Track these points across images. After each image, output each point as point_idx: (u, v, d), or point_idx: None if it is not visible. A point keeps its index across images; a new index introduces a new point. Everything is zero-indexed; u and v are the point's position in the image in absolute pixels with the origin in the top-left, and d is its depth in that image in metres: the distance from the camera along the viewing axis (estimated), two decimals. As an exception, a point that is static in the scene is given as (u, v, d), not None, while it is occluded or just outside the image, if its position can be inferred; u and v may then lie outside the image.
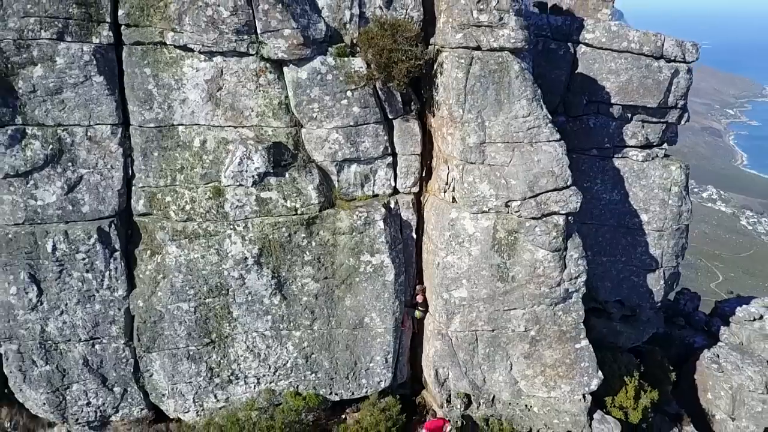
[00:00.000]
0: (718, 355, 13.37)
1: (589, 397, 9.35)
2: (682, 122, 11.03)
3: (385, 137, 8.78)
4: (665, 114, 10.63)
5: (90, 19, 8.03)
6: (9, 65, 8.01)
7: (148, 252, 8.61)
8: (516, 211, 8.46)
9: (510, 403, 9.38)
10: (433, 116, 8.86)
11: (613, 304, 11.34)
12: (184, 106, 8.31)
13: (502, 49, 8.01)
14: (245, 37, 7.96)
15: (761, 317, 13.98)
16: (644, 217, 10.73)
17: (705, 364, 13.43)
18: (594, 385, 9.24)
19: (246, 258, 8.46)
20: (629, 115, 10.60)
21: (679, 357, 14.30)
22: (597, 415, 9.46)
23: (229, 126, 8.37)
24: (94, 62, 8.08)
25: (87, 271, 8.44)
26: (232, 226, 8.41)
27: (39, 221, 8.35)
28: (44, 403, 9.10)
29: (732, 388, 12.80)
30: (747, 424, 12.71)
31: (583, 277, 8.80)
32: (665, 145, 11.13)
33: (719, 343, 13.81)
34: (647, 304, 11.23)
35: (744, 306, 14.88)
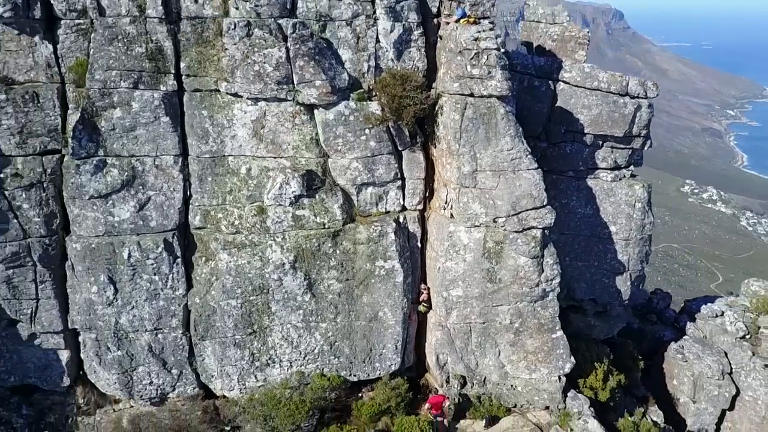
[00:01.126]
0: (683, 347, 15.31)
1: (564, 379, 11.30)
2: (646, 147, 12.98)
3: (396, 165, 10.76)
4: (631, 141, 12.59)
5: (158, 71, 10.00)
6: (94, 108, 9.97)
7: (203, 258, 10.60)
8: (502, 226, 10.41)
9: (498, 383, 11.33)
10: (435, 148, 10.83)
11: (587, 302, 13.30)
12: (233, 140, 10.29)
13: (490, 96, 9.96)
14: (284, 86, 9.93)
15: (722, 314, 15.91)
16: (613, 229, 12.69)
17: (671, 354, 15.38)
18: (567, 368, 11.19)
19: (284, 263, 10.45)
20: (600, 142, 12.56)
21: (650, 349, 16.25)
22: (570, 393, 11.41)
23: (270, 157, 10.35)
24: (162, 106, 10.05)
25: (154, 274, 10.42)
26: (272, 238, 10.42)
27: (116, 234, 10.35)
28: (115, 383, 11.08)
29: (693, 375, 14.73)
30: (706, 406, 14.64)
31: (558, 279, 10.75)
32: (632, 167, 13.08)
33: (685, 337, 15.75)
34: (616, 302, 13.21)
35: (709, 304, 16.83)
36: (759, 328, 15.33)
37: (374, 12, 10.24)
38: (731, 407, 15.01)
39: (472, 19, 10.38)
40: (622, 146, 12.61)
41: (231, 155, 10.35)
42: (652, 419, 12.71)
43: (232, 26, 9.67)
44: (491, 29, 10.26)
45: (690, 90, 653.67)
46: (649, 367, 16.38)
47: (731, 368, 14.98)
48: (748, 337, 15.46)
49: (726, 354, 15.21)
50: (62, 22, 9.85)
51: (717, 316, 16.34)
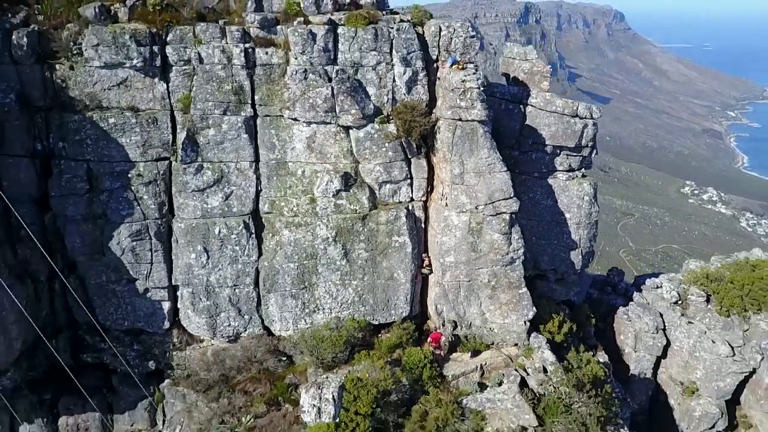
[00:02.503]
0: (628, 310, 19.63)
1: (528, 323, 15.59)
2: (593, 155, 17.26)
3: (406, 168, 15.08)
4: (581, 150, 16.87)
5: (240, 102, 14.30)
6: (195, 129, 14.26)
7: (270, 234, 14.97)
8: (481, 211, 14.68)
9: (480, 326, 15.64)
10: (434, 156, 15.16)
11: (550, 272, 17.60)
12: (292, 151, 14.62)
13: (473, 120, 14.24)
14: (330, 114, 14.25)
15: (661, 285, 20.18)
16: (567, 216, 16.99)
17: (620, 316, 19.70)
18: (530, 315, 15.48)
19: (328, 238, 14.80)
20: (558, 151, 16.84)
21: (605, 313, 20.54)
22: (533, 334, 15.69)
23: (318, 163, 14.68)
24: (243, 126, 14.37)
25: (236, 245, 14.78)
26: (320, 220, 14.80)
27: (209, 216, 14.68)
28: (204, 326, 15.40)
29: (635, 331, 19.03)
30: (644, 354, 18.93)
31: (522, 250, 15.05)
32: (583, 170, 17.35)
33: (631, 303, 20.05)
34: (571, 271, 17.52)
35: (653, 278, 21.13)
36: (688, 295, 19.61)
37: (391, 60, 14.54)
38: (663, 355, 19.31)
39: (460, 66, 14.66)
40: (574, 154, 16.91)
41: (291, 161, 14.70)
42: (598, 360, 16.96)
43: (294, 72, 14.00)
44: (474, 73, 14.54)
45: (691, 91, 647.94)
46: (605, 328, 20.71)
47: (664, 325, 19.26)
48: (679, 302, 19.73)
49: (661, 315, 19.50)
50: (173, 68, 14.15)
51: (658, 287, 20.62)
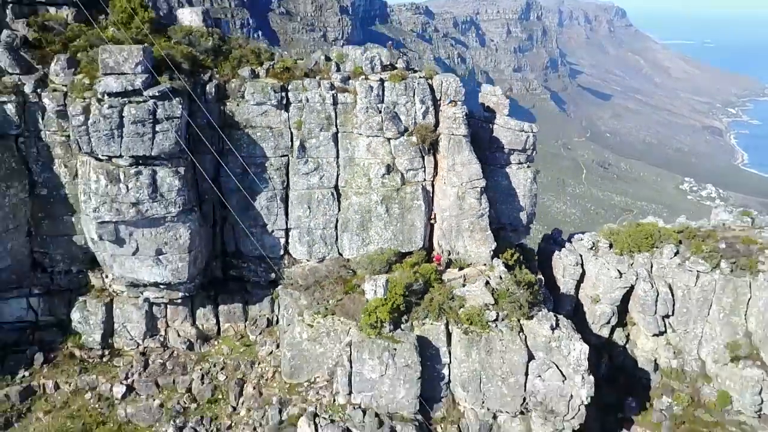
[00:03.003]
0: (561, 254, 31.17)
1: (491, 252, 27.05)
2: (534, 153, 28.75)
3: (422, 162, 26.54)
4: (525, 151, 28.38)
5: (329, 124, 25.78)
6: (304, 139, 25.76)
7: (345, 199, 26.48)
8: (464, 186, 26.20)
9: (463, 254, 27.17)
10: (438, 155, 26.66)
11: (507, 225, 29.14)
12: (358, 152, 26.10)
13: (459, 135, 25.71)
14: (380, 131, 25.72)
15: (582, 238, 31.73)
16: (517, 190, 28.52)
17: (555, 257, 31.25)
18: (492, 247, 26.96)
19: (377, 201, 26.28)
20: (512, 152, 28.34)
21: (548, 256, 32.09)
22: (495, 259, 27.19)
23: (372, 158, 26.14)
24: (331, 138, 25.84)
25: (326, 205, 26.31)
26: (374, 191, 26.25)
27: (311, 189, 26.18)
28: (305, 252, 26.92)
29: (564, 265, 30.59)
30: (568, 280, 30.51)
31: (487, 209, 26.53)
32: (527, 162, 28.85)
33: (563, 249, 31.58)
34: (520, 225, 29.08)
35: (578, 234, 32.67)
36: (599, 243, 31.13)
37: (414, 100, 26.02)
38: (581, 280, 30.84)
39: (454, 103, 26.14)
40: (521, 153, 28.41)
41: (357, 158, 26.21)
42: (532, 273, 28.47)
43: (360, 108, 25.52)
44: (461, 107, 25.99)
45: (691, 88, 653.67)
46: (548, 266, 32.25)
47: (582, 261, 30.76)
48: (592, 248, 31.23)
49: (581, 255, 31.00)
50: (292, 104, 25.64)
51: (581, 239, 32.16)
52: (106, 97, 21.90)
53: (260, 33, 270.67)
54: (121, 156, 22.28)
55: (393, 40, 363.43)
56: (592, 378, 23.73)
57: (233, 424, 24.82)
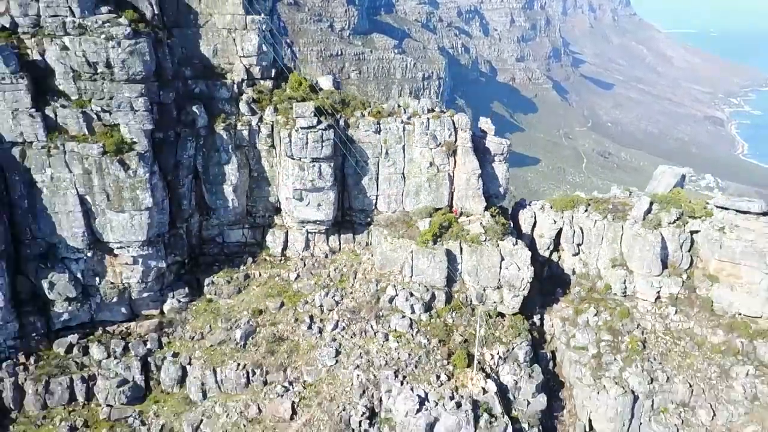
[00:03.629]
0: (523, 211, 57.35)
1: (484, 208, 53.18)
2: (508, 155, 54.82)
3: (448, 161, 52.53)
4: (503, 154, 54.51)
5: (400, 140, 51.83)
6: (388, 151, 51.84)
7: (408, 179, 52.65)
8: (471, 172, 52.38)
9: (468, 209, 53.30)
10: (456, 156, 52.78)
11: (491, 195, 55.26)
12: (415, 155, 52.15)
13: (468, 146, 51.76)
14: (425, 144, 51.80)
15: (536, 203, 57.89)
16: (498, 176, 54.69)
17: (520, 213, 57.39)
18: (483, 205, 53.10)
19: (424, 180, 52.38)
20: (496, 154, 54.48)
21: (516, 213, 58.28)
22: (485, 212, 53.35)
23: (422, 159, 52.19)
24: (402, 149, 51.89)
25: (398, 183, 52.44)
26: (423, 176, 52.39)
27: (391, 174, 52.28)
28: (386, 208, 53.09)
29: (525, 217, 56.77)
30: (527, 225, 56.63)
31: (481, 186, 52.63)
32: (505, 160, 54.95)
33: (525, 208, 57.68)
34: (500, 195, 55.27)
35: (535, 201, 58.83)
36: (545, 205, 57.20)
37: (444, 128, 51.97)
38: (534, 226, 56.78)
39: (464, 130, 52.19)
40: (501, 155, 54.48)
41: (414, 158, 52.37)
42: (504, 220, 54.63)
43: (418, 132, 51.58)
44: (468, 132, 52.01)
45: (694, 78, 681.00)
46: (516, 221, 58.39)
47: (535, 215, 56.64)
48: (542, 208, 57.24)
49: (534, 212, 56.98)
50: (381, 130, 51.61)
51: (535, 203, 58.17)
52: (300, 129, 47.94)
53: None
54: (305, 157, 48.37)
55: (398, 30, 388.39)
56: (532, 269, 49.86)
57: (353, 292, 51.11)
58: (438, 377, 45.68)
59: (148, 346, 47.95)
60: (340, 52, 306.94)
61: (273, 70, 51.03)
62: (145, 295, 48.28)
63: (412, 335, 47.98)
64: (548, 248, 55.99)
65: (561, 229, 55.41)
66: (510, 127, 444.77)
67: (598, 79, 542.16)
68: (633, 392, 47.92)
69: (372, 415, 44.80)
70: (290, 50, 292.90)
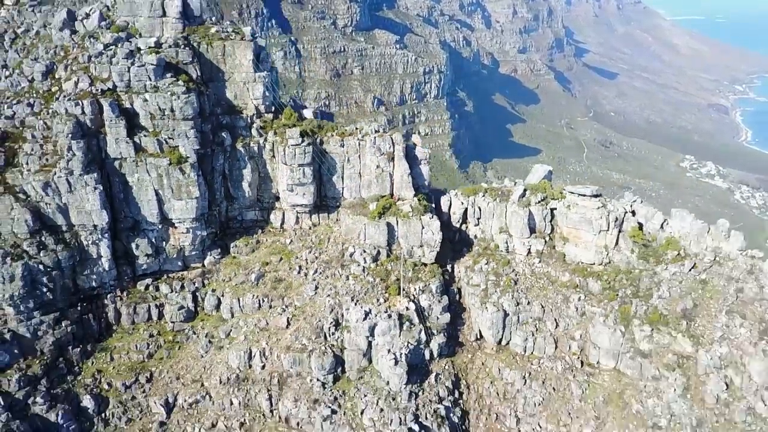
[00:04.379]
0: (443, 197, 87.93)
1: (413, 195, 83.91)
2: (429, 163, 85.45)
3: (390, 165, 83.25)
4: (426, 159, 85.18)
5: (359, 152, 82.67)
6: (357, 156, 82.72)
7: (363, 177, 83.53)
8: (402, 173, 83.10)
9: (402, 195, 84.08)
10: (397, 162, 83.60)
11: (419, 186, 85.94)
12: (370, 161, 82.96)
13: (402, 155, 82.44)
14: (380, 155, 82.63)
15: (452, 192, 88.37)
16: (423, 174, 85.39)
17: (441, 198, 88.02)
18: (413, 194, 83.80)
19: (375, 177, 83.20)
20: (422, 160, 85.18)
21: (438, 198, 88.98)
22: (414, 197, 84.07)
23: (372, 164, 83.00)
24: (362, 157, 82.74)
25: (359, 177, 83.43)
26: (374, 175, 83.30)
27: (354, 172, 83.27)
28: (349, 196, 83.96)
29: (443, 201, 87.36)
30: (445, 207, 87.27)
31: (411, 181, 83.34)
32: (427, 164, 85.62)
33: (443, 195, 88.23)
34: (424, 187, 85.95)
35: (453, 190, 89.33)
36: (457, 192, 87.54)
37: (392, 142, 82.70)
38: (450, 207, 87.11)
39: (397, 144, 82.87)
40: (425, 160, 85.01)
41: (368, 163, 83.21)
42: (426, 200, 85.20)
43: (370, 147, 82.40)
44: (403, 146, 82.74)
45: (700, 65, 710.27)
46: (438, 204, 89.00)
47: (450, 199, 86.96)
48: (456, 194, 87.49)
49: (450, 198, 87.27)
50: (345, 144, 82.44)
51: (452, 192, 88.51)
52: (290, 145, 78.79)
53: (273, 22, 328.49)
54: (294, 164, 79.21)
55: (400, 26, 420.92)
56: (441, 233, 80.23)
57: (327, 250, 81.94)
58: (378, 300, 76.46)
59: (195, 285, 79.25)
60: (342, 49, 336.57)
61: (273, 107, 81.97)
62: (193, 253, 79.48)
63: (363, 276, 78.81)
64: (459, 221, 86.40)
65: (467, 209, 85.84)
66: (511, 119, 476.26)
67: (602, 69, 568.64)
68: (505, 311, 78.43)
69: (337, 324, 75.64)
70: (294, 48, 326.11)
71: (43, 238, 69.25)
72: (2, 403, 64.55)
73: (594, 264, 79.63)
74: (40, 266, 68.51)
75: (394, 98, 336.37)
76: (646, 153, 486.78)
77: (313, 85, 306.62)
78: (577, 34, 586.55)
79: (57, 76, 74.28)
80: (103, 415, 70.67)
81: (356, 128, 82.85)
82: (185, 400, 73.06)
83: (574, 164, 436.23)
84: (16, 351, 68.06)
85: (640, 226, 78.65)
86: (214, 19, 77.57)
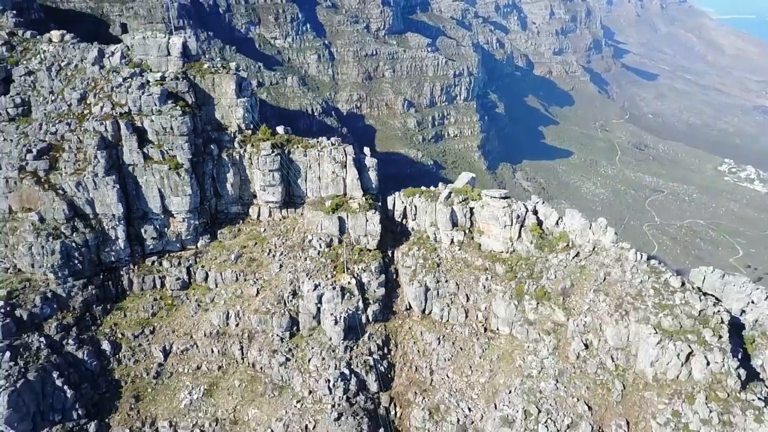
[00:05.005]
0: (390, 196, 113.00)
1: (361, 195, 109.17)
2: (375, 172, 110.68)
3: (345, 172, 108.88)
4: (375, 167, 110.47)
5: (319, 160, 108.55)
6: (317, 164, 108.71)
7: (322, 179, 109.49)
8: (353, 178, 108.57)
9: (354, 196, 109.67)
10: (348, 168, 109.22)
11: (368, 188, 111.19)
12: (327, 168, 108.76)
13: (351, 159, 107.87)
14: (335, 165, 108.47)
15: (397, 193, 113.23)
16: (371, 179, 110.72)
17: (388, 198, 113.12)
18: (362, 193, 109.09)
19: (331, 179, 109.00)
20: (369, 168, 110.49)
21: (384, 198, 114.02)
22: (362, 196, 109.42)
23: (330, 171, 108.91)
24: (321, 163, 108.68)
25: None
26: (330, 179, 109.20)
27: (328, 177, 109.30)
28: (312, 195, 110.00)
29: (389, 199, 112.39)
30: (392, 205, 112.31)
31: (359, 184, 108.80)
32: (375, 170, 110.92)
33: (390, 196, 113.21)
34: (372, 189, 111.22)
35: (397, 192, 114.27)
36: (401, 193, 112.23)
37: (343, 151, 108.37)
38: (394, 206, 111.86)
39: (340, 149, 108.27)
40: (374, 167, 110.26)
41: (324, 169, 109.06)
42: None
43: (327, 157, 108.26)
44: (347, 149, 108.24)
45: (746, 66, 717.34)
46: (384, 203, 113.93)
47: (395, 198, 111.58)
48: (399, 194, 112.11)
49: (395, 197, 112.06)
50: (308, 154, 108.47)
51: (397, 193, 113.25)
52: (263, 155, 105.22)
53: (308, 26, 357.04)
54: (266, 169, 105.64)
55: (433, 29, 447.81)
56: (380, 226, 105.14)
57: (292, 237, 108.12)
58: (327, 276, 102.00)
59: (189, 262, 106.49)
60: (374, 52, 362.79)
61: (252, 125, 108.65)
62: (188, 237, 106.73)
63: (318, 258, 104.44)
64: (400, 216, 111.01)
65: (406, 207, 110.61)
66: (543, 120, 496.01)
67: (641, 70, 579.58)
68: (427, 287, 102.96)
69: (294, 293, 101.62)
70: (328, 51, 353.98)
71: (75, 223, 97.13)
72: (45, 342, 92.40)
73: (502, 252, 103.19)
74: (73, 244, 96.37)
75: (424, 100, 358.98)
76: (683, 156, 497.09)
77: (345, 87, 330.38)
78: (618, 34, 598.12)
79: (88, 102, 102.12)
80: (117, 356, 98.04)
81: (317, 141, 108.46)
82: (178, 348, 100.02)
83: (605, 167, 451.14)
84: (54, 306, 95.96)
85: (540, 223, 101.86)
86: (206, 56, 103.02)
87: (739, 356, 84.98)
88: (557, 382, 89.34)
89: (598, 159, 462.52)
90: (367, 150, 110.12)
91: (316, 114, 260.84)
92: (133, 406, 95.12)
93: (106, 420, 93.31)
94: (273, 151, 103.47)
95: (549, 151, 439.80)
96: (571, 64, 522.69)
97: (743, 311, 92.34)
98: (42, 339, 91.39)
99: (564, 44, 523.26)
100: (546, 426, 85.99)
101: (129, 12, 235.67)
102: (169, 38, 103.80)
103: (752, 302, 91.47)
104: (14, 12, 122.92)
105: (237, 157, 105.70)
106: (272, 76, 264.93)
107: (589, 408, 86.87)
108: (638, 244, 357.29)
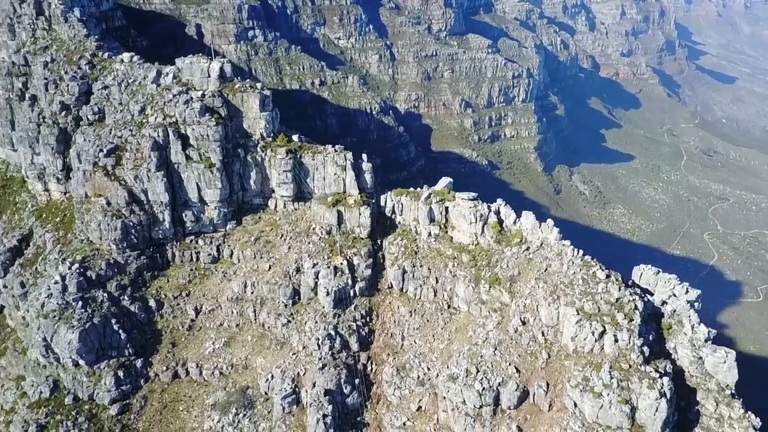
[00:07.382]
0: (382, 195, 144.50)
1: (357, 192, 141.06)
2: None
3: (345, 175, 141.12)
4: (364, 171, 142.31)
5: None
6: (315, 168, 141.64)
7: (327, 179, 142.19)
8: (351, 179, 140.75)
9: (352, 194, 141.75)
10: (347, 172, 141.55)
11: (364, 188, 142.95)
12: (329, 171, 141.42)
13: (346, 164, 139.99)
14: (337, 168, 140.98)
15: (389, 192, 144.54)
16: (368, 180, 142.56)
17: (381, 197, 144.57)
18: (358, 192, 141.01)
19: (333, 180, 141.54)
20: (365, 171, 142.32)
21: (378, 196, 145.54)
22: (359, 194, 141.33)
23: (331, 174, 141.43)
24: (325, 167, 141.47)
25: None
26: (331, 180, 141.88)
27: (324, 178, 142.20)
28: (317, 192, 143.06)
29: (383, 198, 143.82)
30: (383, 202, 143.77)
31: (356, 185, 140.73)
32: (371, 171, 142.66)
33: (382, 195, 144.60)
34: (368, 188, 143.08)
35: (389, 192, 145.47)
36: (391, 193, 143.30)
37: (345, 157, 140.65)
38: (385, 203, 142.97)
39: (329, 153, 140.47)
40: (365, 171, 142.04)
41: (327, 173, 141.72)
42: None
43: (330, 161, 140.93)
44: (344, 154, 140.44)
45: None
46: (377, 201, 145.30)
47: (387, 197, 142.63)
48: (391, 192, 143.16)
49: (389, 195, 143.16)
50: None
51: (389, 192, 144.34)
52: (279, 159, 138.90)
53: (371, 27, 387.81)
54: (281, 170, 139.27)
55: (495, 30, 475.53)
56: (371, 218, 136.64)
57: (301, 225, 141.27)
58: (324, 258, 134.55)
59: (219, 242, 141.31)
60: (435, 53, 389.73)
61: (272, 133, 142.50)
62: (218, 222, 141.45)
63: (319, 243, 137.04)
64: (390, 212, 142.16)
65: (394, 204, 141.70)
66: (606, 123, 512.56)
67: (718, 72, 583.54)
68: (404, 270, 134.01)
69: (298, 270, 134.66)
70: (389, 52, 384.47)
71: (133, 207, 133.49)
72: (107, 297, 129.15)
73: (469, 245, 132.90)
74: (131, 223, 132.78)
75: (481, 101, 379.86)
76: (755, 163, 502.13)
77: (404, 87, 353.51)
78: (696, 35, 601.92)
79: (146, 113, 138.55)
80: (160, 311, 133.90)
81: (323, 148, 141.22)
82: (207, 308, 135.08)
83: (668, 172, 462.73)
84: (115, 270, 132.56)
85: (501, 222, 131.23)
86: (238, 78, 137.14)
87: (650, 338, 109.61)
88: (495, 349, 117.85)
89: (662, 164, 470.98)
90: (364, 156, 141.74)
91: (374, 113, 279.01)
92: (170, 350, 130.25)
93: (149, 359, 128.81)
94: (287, 156, 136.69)
95: (609, 154, 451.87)
96: (640, 65, 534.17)
97: (664, 302, 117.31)
98: (105, 294, 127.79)
99: (634, 45, 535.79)
100: (481, 382, 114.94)
101: (203, 13, 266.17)
102: (209, 63, 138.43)
103: (674, 295, 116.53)
104: (97, 36, 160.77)
105: (259, 159, 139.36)
106: (334, 75, 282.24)
107: (518, 371, 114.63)
108: (696, 253, 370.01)
